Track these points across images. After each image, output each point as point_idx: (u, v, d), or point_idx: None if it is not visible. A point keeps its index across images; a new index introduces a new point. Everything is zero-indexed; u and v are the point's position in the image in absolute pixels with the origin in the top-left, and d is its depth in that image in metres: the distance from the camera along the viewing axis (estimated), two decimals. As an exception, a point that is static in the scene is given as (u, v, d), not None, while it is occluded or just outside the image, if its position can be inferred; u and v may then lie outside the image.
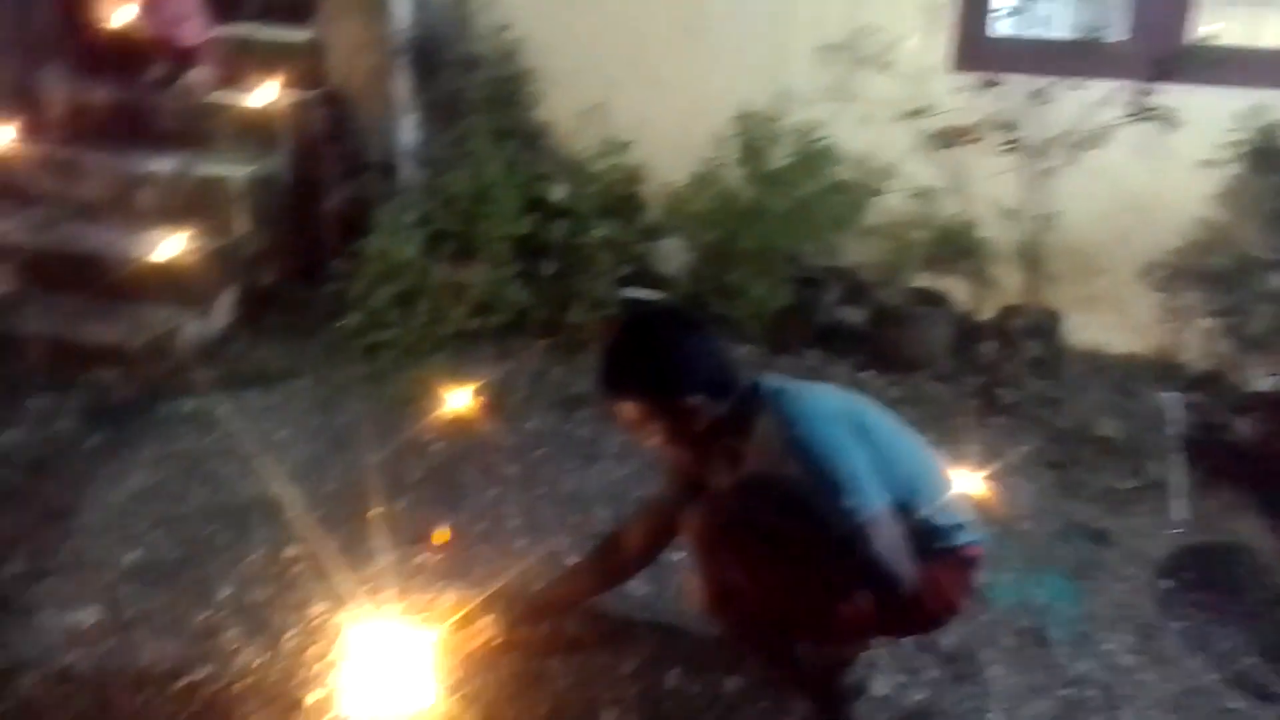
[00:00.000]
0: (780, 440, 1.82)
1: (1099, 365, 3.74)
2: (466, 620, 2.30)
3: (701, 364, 1.90)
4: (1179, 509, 3.02)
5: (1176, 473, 3.14)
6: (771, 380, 1.94)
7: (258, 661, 2.20)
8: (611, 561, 2.28)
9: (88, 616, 2.29)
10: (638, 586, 2.49)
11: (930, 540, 1.89)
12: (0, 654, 2.16)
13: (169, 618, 2.31)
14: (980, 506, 2.83)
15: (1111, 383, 3.63)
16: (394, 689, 2.11)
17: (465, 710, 2.10)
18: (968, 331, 3.82)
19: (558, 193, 3.82)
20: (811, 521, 1.79)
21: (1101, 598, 2.62)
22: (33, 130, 3.92)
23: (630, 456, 3.08)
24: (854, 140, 3.80)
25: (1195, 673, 2.37)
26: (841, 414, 1.87)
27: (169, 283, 3.56)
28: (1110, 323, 3.80)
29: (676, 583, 2.48)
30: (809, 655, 1.93)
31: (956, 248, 3.85)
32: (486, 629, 2.25)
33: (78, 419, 3.06)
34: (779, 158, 3.79)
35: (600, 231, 3.76)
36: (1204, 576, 2.72)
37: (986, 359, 3.59)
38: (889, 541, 1.78)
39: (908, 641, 2.33)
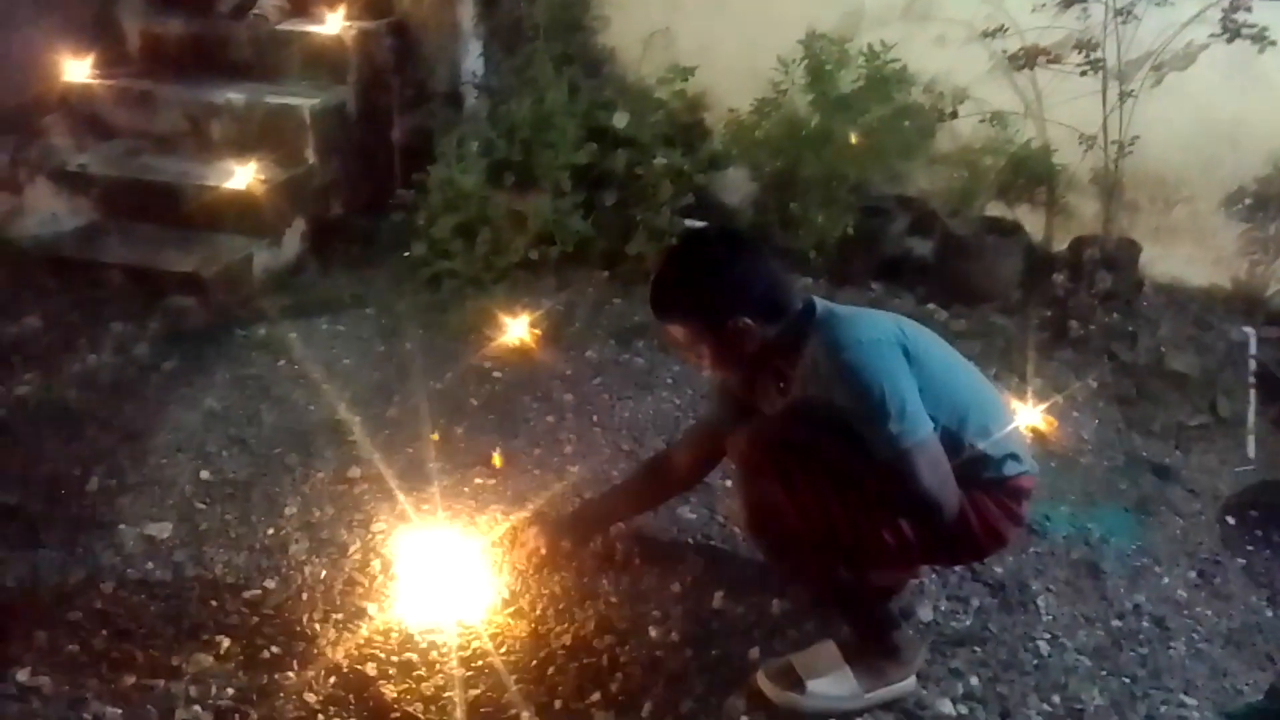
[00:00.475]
0: (827, 364, 1.81)
1: (1176, 298, 3.61)
2: (517, 531, 2.38)
3: (751, 286, 1.88)
4: (1250, 446, 2.93)
5: (1250, 409, 3.03)
6: (824, 304, 1.92)
7: (323, 574, 2.30)
8: (658, 479, 2.32)
9: (163, 529, 2.41)
10: (687, 511, 2.53)
11: (979, 469, 1.87)
12: (83, 562, 2.29)
13: (239, 532, 2.42)
14: (1042, 439, 2.83)
15: (1188, 316, 3.51)
16: (448, 596, 2.20)
17: (513, 623, 2.17)
18: (1039, 263, 3.72)
19: (620, 121, 3.79)
20: (857, 446, 1.79)
21: (1162, 532, 2.57)
22: (110, 63, 4.02)
23: (685, 386, 3.10)
24: (927, 62, 3.68)
25: (1255, 608, 2.33)
26: (892, 339, 1.84)
27: (241, 212, 3.65)
28: (1190, 254, 3.66)
29: (725, 507, 2.53)
30: (853, 580, 1.94)
31: (1030, 175, 3.73)
32: (535, 539, 2.31)
33: (155, 344, 3.18)
34: (847, 82, 3.69)
35: (662, 160, 3.73)
36: (1270, 514, 2.65)
37: (1057, 291, 3.48)
38: (934, 468, 1.76)
39: (957, 569, 2.33)
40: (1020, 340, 3.37)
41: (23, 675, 1.99)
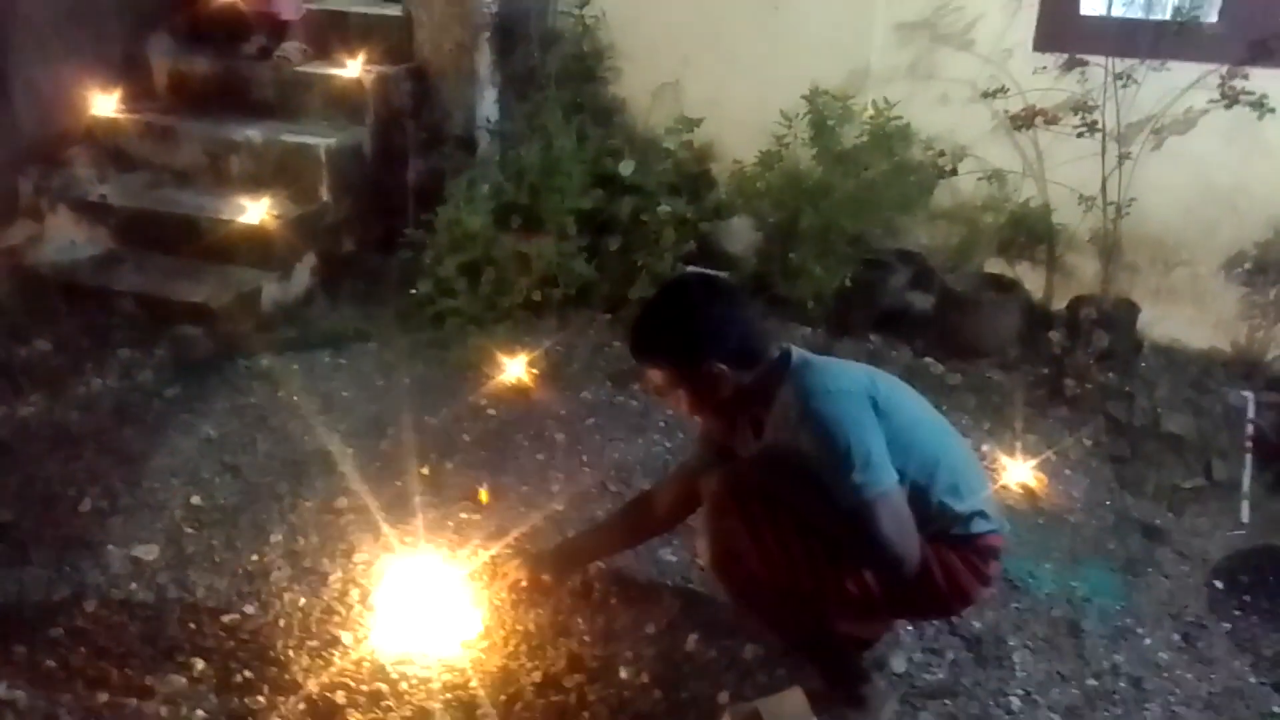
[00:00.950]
0: (796, 410, 1.83)
1: (1173, 360, 3.61)
2: (497, 564, 2.40)
3: (726, 332, 1.91)
4: (1243, 510, 2.90)
5: (1245, 473, 3.01)
6: (800, 353, 1.95)
7: (302, 601, 2.32)
8: (639, 519, 2.34)
9: (149, 552, 2.45)
10: (668, 553, 2.54)
11: (947, 526, 1.88)
12: (68, 581, 2.33)
13: (223, 557, 2.45)
14: (1033, 496, 2.83)
15: (1185, 379, 3.50)
16: (425, 625, 2.22)
17: (485, 658, 2.18)
18: (1037, 320, 3.74)
19: (627, 168, 3.86)
20: (822, 495, 1.80)
21: (1147, 594, 2.55)
22: (137, 98, 4.16)
23: (677, 431, 3.12)
24: (929, 120, 3.74)
25: (1237, 674, 2.30)
26: (861, 391, 1.87)
27: (254, 246, 3.74)
28: (1188, 316, 3.66)
29: (690, 544, 2.53)
30: (816, 628, 1.94)
31: (1029, 234, 3.76)
32: (516, 571, 2.33)
33: (159, 371, 3.25)
34: (851, 137, 3.76)
35: (667, 208, 3.79)
36: (1259, 579, 2.62)
37: (1054, 349, 3.49)
38: (895, 520, 1.77)
39: (935, 622, 2.32)
40: (1016, 396, 3.37)
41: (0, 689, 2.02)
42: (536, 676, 2.14)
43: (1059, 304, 3.77)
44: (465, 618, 2.27)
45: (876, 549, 1.77)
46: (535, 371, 3.33)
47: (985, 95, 3.62)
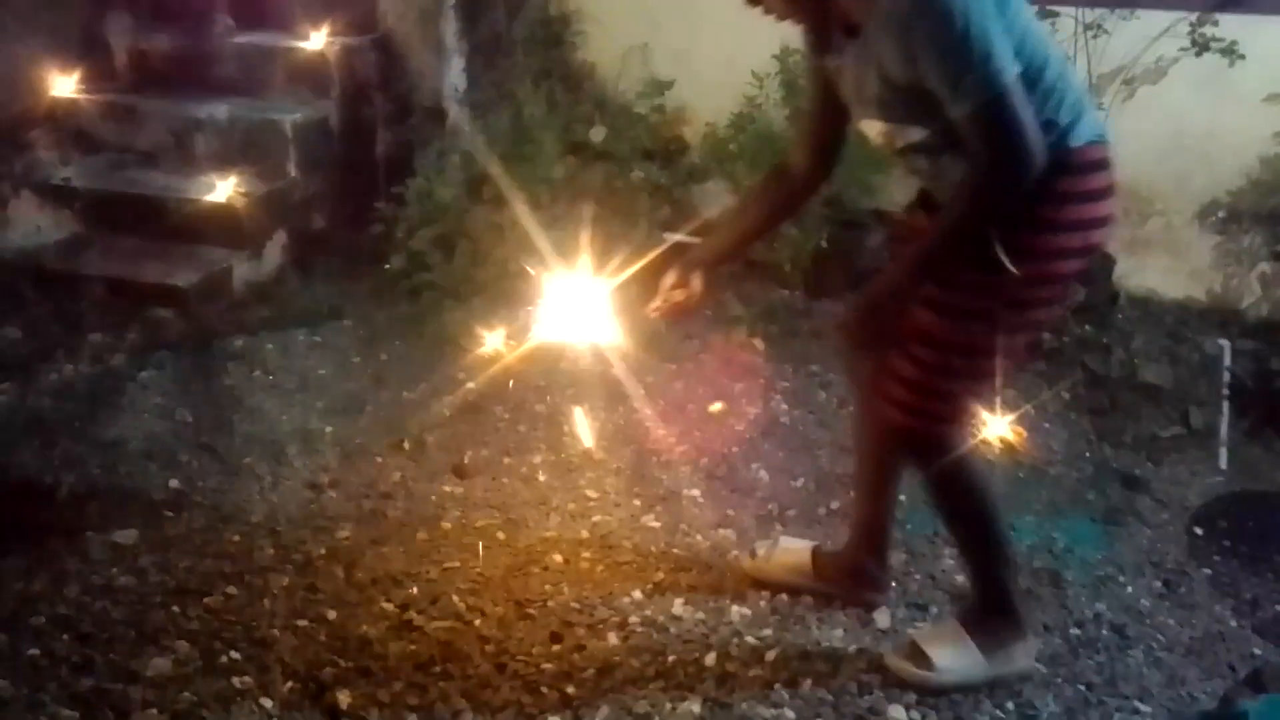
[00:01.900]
0: (905, 3, 1.64)
1: (1150, 311, 3.62)
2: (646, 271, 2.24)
3: None
4: (1222, 457, 2.93)
5: (1223, 421, 3.04)
6: None
7: (285, 581, 2.31)
8: (783, 190, 2.13)
9: (129, 536, 2.42)
10: (651, 519, 2.54)
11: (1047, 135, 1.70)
12: (48, 568, 2.30)
13: (204, 539, 2.43)
14: (1011, 449, 2.84)
15: (1162, 329, 3.51)
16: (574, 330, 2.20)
17: (468, 629, 2.17)
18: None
19: (597, 135, 3.83)
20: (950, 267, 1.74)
21: (1128, 543, 2.57)
22: (97, 78, 4.07)
23: (657, 397, 3.12)
24: (900, 77, 3.71)
25: (1219, 618, 2.32)
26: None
27: (223, 226, 3.67)
28: (1164, 266, 3.67)
29: (688, 516, 2.55)
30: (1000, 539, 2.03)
31: (1004, 189, 3.75)
32: (668, 285, 2.13)
33: (132, 354, 3.20)
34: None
35: (640, 174, 3.76)
36: (1239, 525, 2.65)
37: (1031, 303, 3.49)
38: (1021, 117, 1.62)
39: (916, 575, 2.34)
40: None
41: (-19, 679, 2.00)
42: (524, 646, 2.14)
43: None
44: (611, 328, 2.18)
45: (1002, 154, 1.63)
46: (513, 343, 3.30)
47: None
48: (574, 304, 2.18)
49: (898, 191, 3.84)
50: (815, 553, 2.31)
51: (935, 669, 2.04)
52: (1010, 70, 1.62)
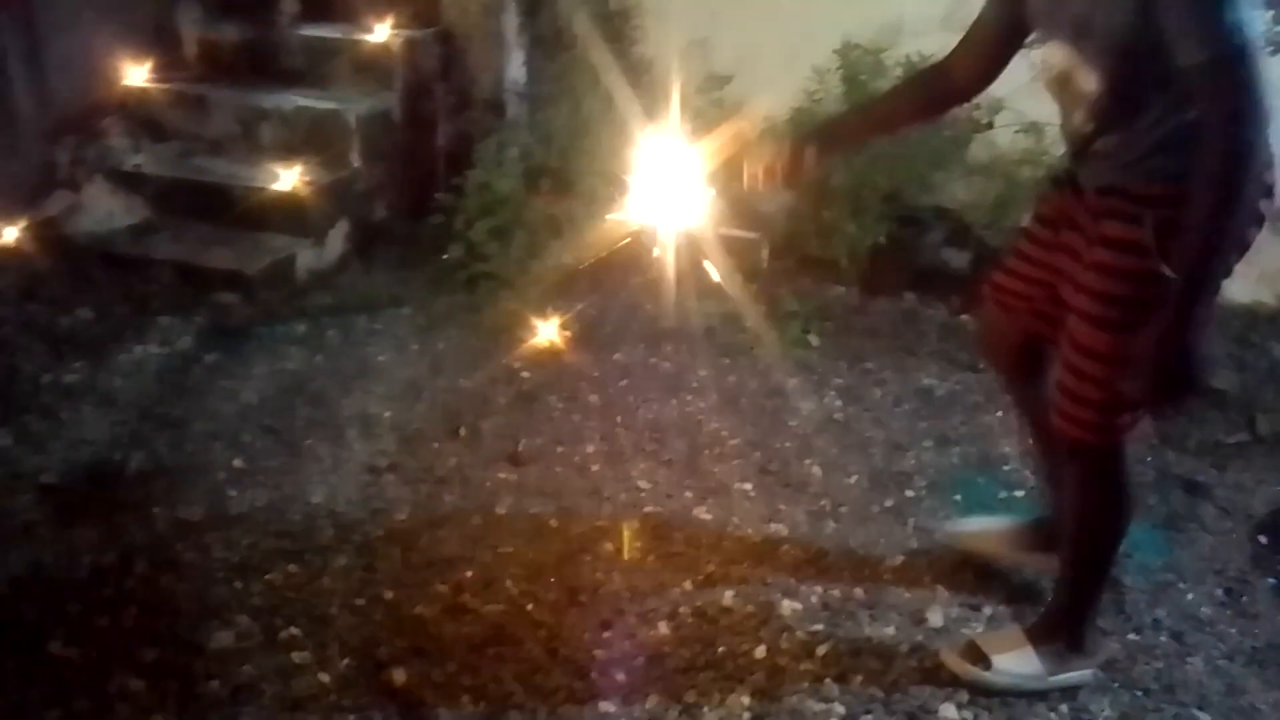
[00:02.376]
0: None
1: (1218, 315, 3.50)
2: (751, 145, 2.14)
3: None
4: (1288, 465, 2.86)
5: (1290, 427, 2.97)
6: None
7: (344, 561, 2.36)
8: (935, 87, 2.06)
9: (195, 513, 2.49)
10: (703, 511, 2.55)
11: None
12: (117, 542, 2.38)
13: (266, 517, 2.49)
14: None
15: (1229, 333, 3.44)
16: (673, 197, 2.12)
17: (523, 613, 2.20)
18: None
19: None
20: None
21: (1188, 549, 2.52)
22: (168, 68, 4.18)
23: (711, 391, 3.12)
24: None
25: (1281, 629, 2.27)
26: None
27: (287, 214, 3.75)
28: (1234, 270, 3.57)
29: (740, 510, 2.55)
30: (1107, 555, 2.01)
31: (1068, 188, 3.69)
32: (776, 151, 2.04)
33: (198, 338, 3.29)
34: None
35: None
36: (1305, 533, 2.58)
37: (1093, 304, 3.43)
38: (1259, 72, 1.49)
39: (970, 574, 2.33)
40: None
41: (55, 646, 2.07)
42: (575, 633, 2.16)
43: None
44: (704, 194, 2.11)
45: (1244, 106, 1.49)
46: (568, 334, 3.33)
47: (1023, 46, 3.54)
48: (667, 185, 2.09)
49: (959, 189, 3.82)
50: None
51: (991, 670, 2.02)
52: (1256, 23, 1.51)
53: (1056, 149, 3.64)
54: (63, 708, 1.94)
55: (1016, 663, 2.02)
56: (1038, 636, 2.05)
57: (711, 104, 3.95)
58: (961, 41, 2.03)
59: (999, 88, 3.67)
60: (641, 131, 2.23)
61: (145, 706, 1.95)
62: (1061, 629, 2.05)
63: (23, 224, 3.51)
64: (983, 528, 2.41)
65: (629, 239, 2.31)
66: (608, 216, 2.19)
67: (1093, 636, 2.08)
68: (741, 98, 4.02)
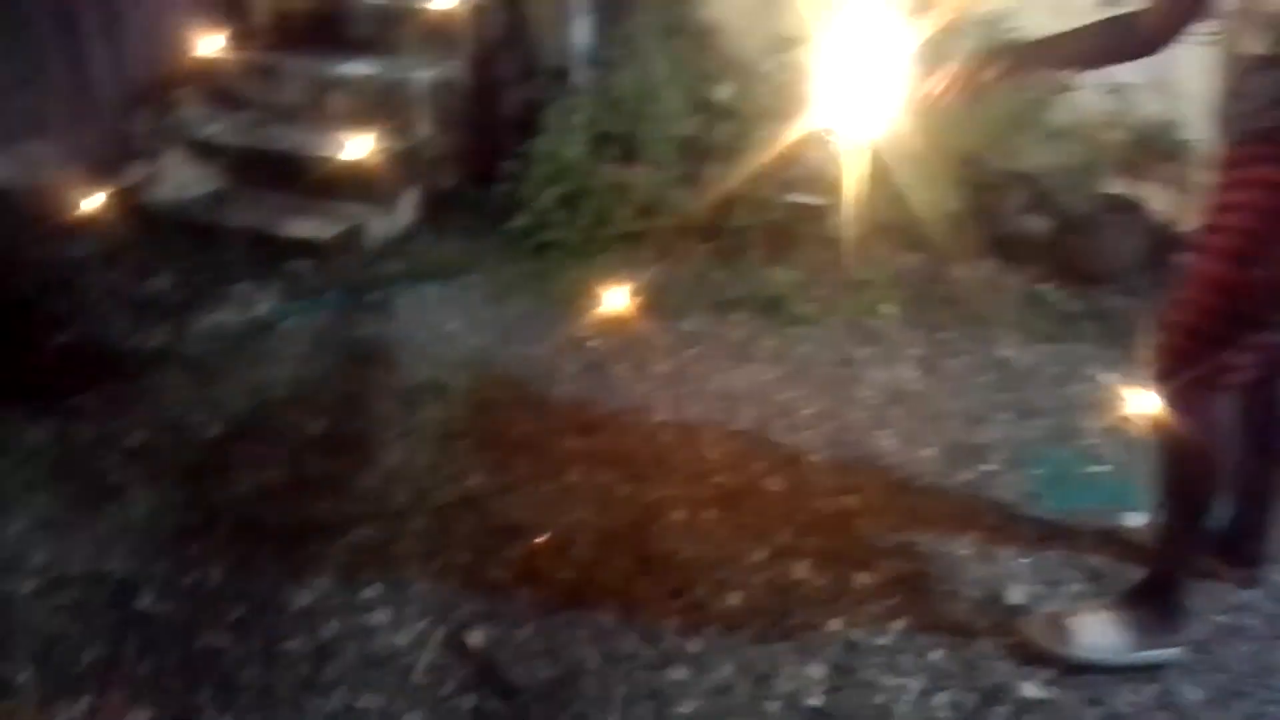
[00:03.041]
0: None
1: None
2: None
3: None
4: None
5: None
6: None
7: (419, 524, 2.39)
8: (1122, 36, 2.01)
9: (276, 476, 2.54)
10: (774, 483, 2.53)
11: None
12: (202, 503, 2.44)
13: (343, 481, 2.54)
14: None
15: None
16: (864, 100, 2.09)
17: (601, 582, 2.21)
18: (1163, 243, 3.54)
19: (723, 93, 3.78)
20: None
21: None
22: (240, 37, 4.22)
23: (782, 359, 3.09)
24: (1045, 30, 3.52)
25: (1383, 613, 2.18)
26: None
27: (358, 182, 3.78)
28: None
29: (811, 481, 2.52)
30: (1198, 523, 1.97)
31: (1155, 151, 3.55)
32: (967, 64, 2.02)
33: (275, 304, 3.35)
34: (960, 52, 3.58)
35: (766, 133, 3.70)
36: None
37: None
38: None
39: (1051, 552, 2.27)
40: (1139, 324, 3.21)
41: (144, 603, 2.16)
42: (647, 600, 2.17)
43: (1187, 226, 3.57)
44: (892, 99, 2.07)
45: None
46: (636, 302, 3.32)
47: (1108, 2, 3.40)
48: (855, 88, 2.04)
49: (1040, 154, 3.70)
50: None
51: (1073, 645, 1.99)
52: None
53: (1141, 111, 3.52)
54: (153, 662, 2.01)
55: (1099, 637, 1.99)
56: (1123, 611, 2.01)
57: (779, 67, 3.88)
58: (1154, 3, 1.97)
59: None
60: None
61: (231, 662, 2.01)
62: (1152, 600, 2.01)
63: (103, 194, 3.59)
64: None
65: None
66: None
67: (1179, 615, 2.02)
68: (810, 60, 3.93)
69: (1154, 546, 2.07)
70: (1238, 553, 2.20)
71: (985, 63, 2.00)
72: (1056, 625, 2.02)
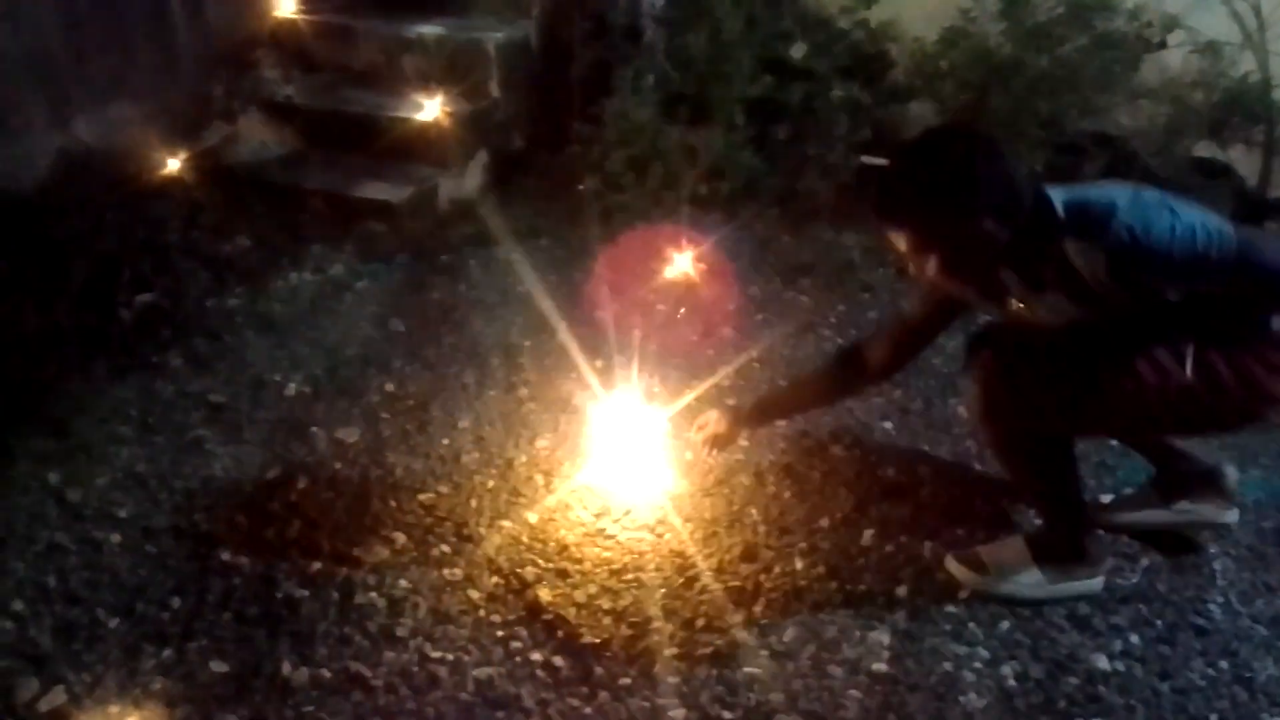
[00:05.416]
0: (1128, 257, 1.70)
1: None
2: (695, 412, 2.42)
3: (993, 186, 1.71)
4: None
5: None
6: (1057, 194, 1.77)
7: (491, 483, 2.44)
8: (848, 374, 2.19)
9: (351, 434, 2.61)
10: (839, 449, 2.52)
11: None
12: (281, 460, 2.52)
13: (417, 441, 2.59)
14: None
15: None
16: (628, 468, 2.36)
17: (659, 543, 2.24)
18: (1253, 208, 3.41)
19: (798, 52, 3.72)
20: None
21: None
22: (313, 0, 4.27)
23: (849, 326, 3.06)
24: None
25: None
26: (1155, 197, 1.75)
27: (430, 144, 3.82)
28: None
29: (880, 449, 2.51)
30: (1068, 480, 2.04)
31: (1246, 113, 3.41)
32: (715, 422, 2.30)
33: (349, 265, 3.41)
34: (1045, 9, 3.47)
35: (839, 93, 3.64)
36: None
37: (1270, 239, 3.19)
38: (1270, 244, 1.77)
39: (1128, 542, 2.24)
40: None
41: (225, 555, 2.22)
42: (713, 563, 2.19)
43: (1277, 191, 3.43)
44: (661, 468, 2.37)
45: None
46: (703, 266, 3.31)
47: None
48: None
49: (1124, 115, 3.58)
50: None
51: (992, 577, 2.08)
52: (1228, 227, 1.75)
53: (1235, 71, 3.38)
54: (234, 612, 2.09)
55: (1015, 570, 2.07)
56: (1036, 545, 2.08)
57: (856, 25, 3.81)
58: (879, 333, 2.23)
59: (1172, 3, 3.44)
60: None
61: (309, 614, 2.07)
62: (1059, 536, 2.07)
63: (184, 154, 3.68)
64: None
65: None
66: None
67: (1093, 544, 2.09)
68: (888, 17, 3.85)
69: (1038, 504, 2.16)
70: (1193, 485, 2.20)
71: (705, 425, 2.30)
72: (974, 560, 2.10)
